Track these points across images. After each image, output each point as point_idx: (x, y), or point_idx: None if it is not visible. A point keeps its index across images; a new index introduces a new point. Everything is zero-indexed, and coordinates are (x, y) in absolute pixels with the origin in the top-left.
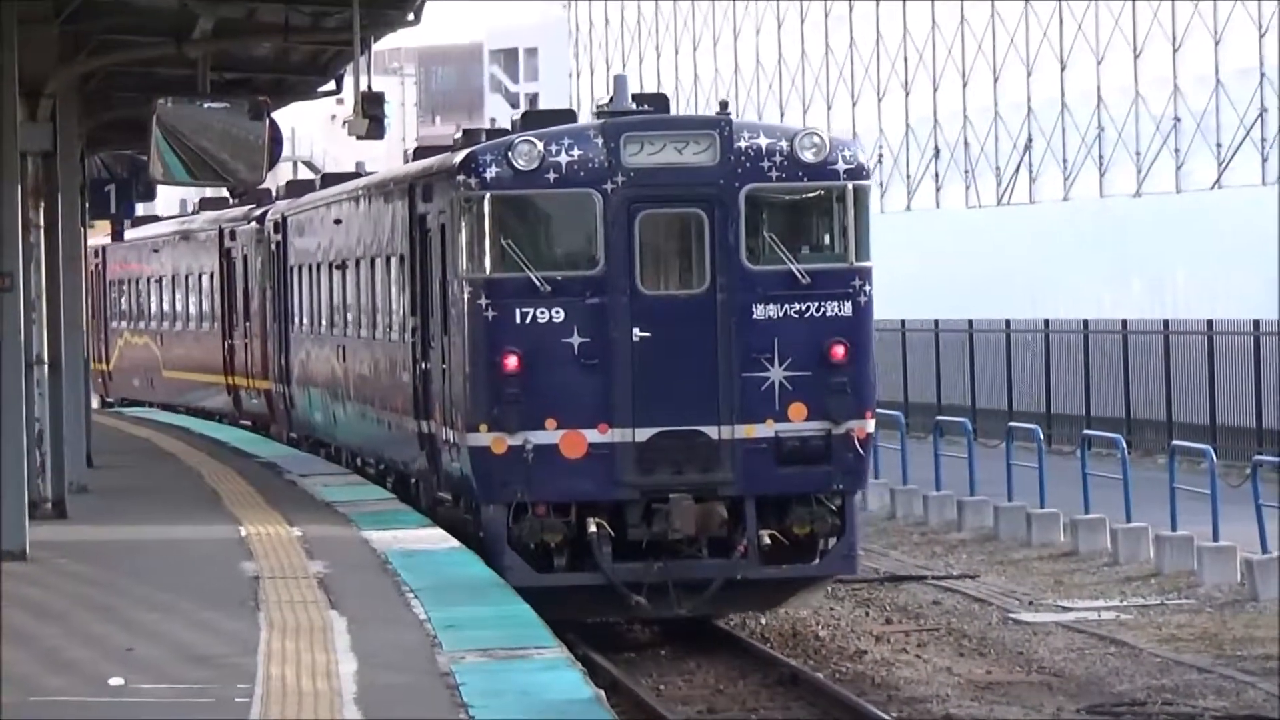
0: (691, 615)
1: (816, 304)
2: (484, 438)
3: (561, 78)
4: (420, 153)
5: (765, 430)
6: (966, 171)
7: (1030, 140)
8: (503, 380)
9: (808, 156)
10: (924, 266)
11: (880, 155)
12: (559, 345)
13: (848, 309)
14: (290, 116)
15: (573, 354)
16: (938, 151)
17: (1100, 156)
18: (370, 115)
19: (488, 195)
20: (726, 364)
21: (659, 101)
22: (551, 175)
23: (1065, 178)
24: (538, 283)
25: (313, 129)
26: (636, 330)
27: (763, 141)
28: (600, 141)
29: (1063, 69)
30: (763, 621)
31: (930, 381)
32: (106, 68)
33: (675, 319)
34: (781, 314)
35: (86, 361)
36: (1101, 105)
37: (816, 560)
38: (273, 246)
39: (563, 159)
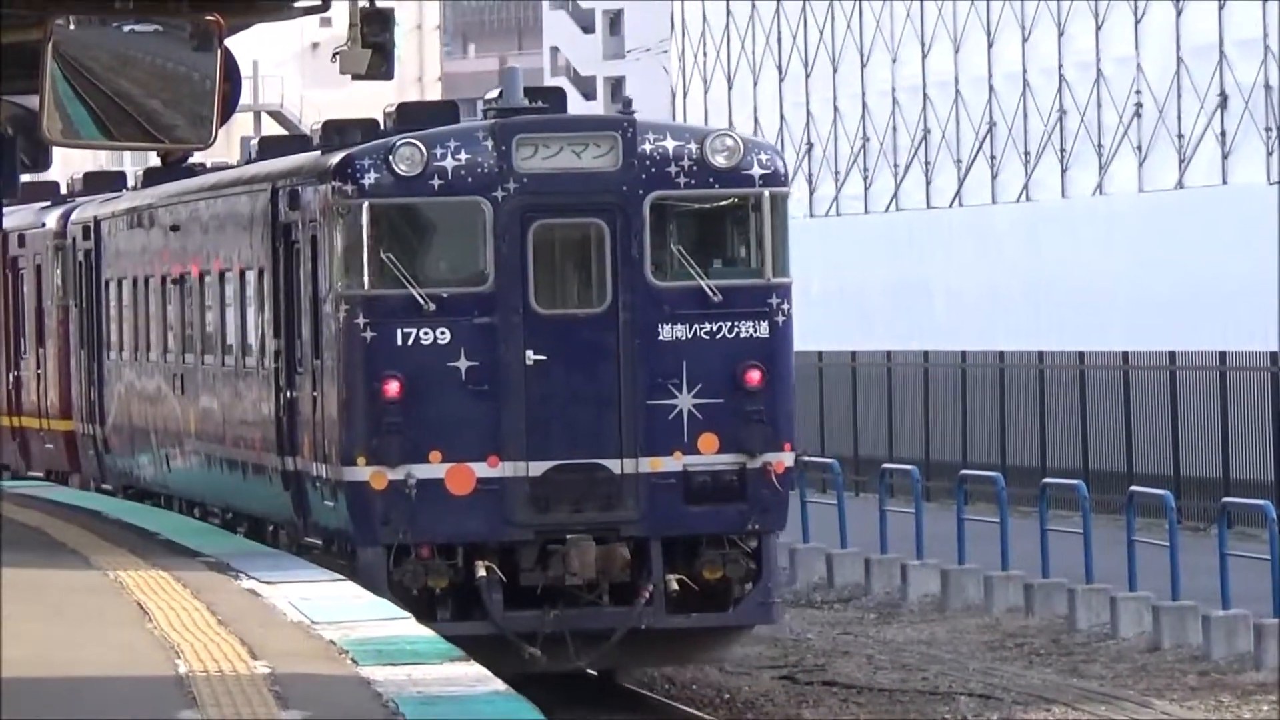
0: (592, 669)
1: (729, 324)
2: (362, 472)
3: None
4: (265, 145)
5: (673, 464)
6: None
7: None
8: (382, 408)
9: (720, 161)
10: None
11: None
12: (444, 369)
13: (764, 329)
14: (251, 45)
15: (460, 379)
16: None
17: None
18: (372, 43)
19: (366, 203)
20: (630, 390)
21: (555, 98)
22: (436, 181)
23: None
24: (421, 300)
25: (285, 64)
26: (530, 353)
27: (670, 144)
28: (490, 144)
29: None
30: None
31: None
32: None
33: (573, 340)
34: (690, 335)
35: None
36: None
37: (730, 609)
38: (79, 256)
39: (449, 163)
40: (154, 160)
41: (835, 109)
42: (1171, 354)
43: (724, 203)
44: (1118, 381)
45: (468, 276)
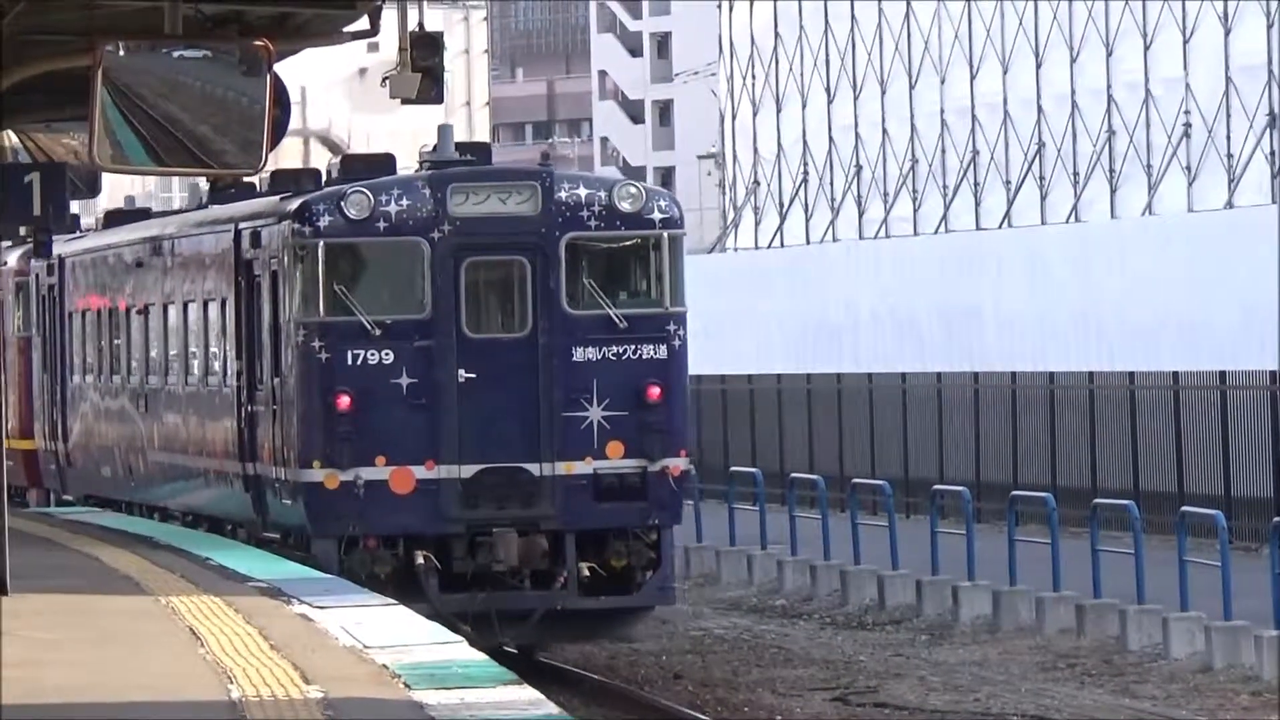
0: (513, 646)
1: (633, 347)
2: (317, 474)
3: (703, 10)
4: (216, 190)
5: (584, 467)
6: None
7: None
8: (335, 419)
9: (625, 206)
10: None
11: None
12: (389, 385)
13: (663, 352)
14: (300, 71)
15: (402, 394)
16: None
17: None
18: (422, 68)
19: (321, 243)
20: (548, 404)
21: (481, 151)
22: (381, 224)
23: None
24: (369, 326)
25: (333, 89)
26: (462, 371)
27: (582, 192)
28: (428, 192)
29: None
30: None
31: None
32: None
33: (499, 361)
34: (600, 356)
35: None
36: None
37: (634, 592)
38: (43, 291)
39: (392, 208)
40: (110, 204)
41: (884, 131)
42: (1222, 374)
43: (629, 243)
44: (1168, 401)
45: (408, 306)
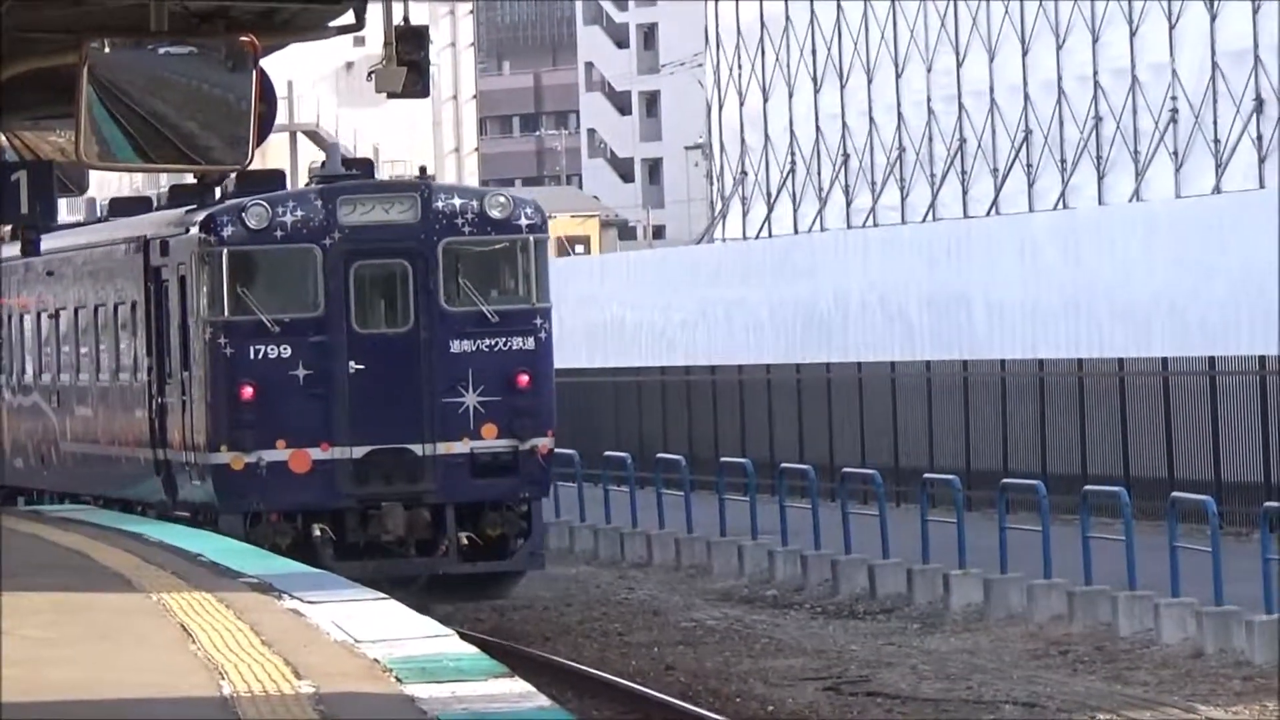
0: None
1: (504, 339)
2: (224, 456)
3: (689, 2)
4: (115, 204)
5: (462, 447)
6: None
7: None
8: (240, 407)
9: (495, 214)
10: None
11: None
12: (287, 376)
13: (530, 343)
14: (286, 66)
15: (299, 384)
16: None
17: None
18: (407, 61)
19: (225, 250)
20: (429, 391)
21: (365, 166)
22: (279, 233)
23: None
24: (268, 324)
25: (320, 84)
26: (352, 363)
27: (457, 201)
28: (319, 203)
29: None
30: None
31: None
32: None
33: (385, 353)
34: (474, 348)
35: None
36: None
37: (507, 558)
38: None
39: (288, 219)
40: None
41: (871, 120)
42: (1211, 359)
43: (499, 246)
44: (1158, 388)
45: (303, 305)
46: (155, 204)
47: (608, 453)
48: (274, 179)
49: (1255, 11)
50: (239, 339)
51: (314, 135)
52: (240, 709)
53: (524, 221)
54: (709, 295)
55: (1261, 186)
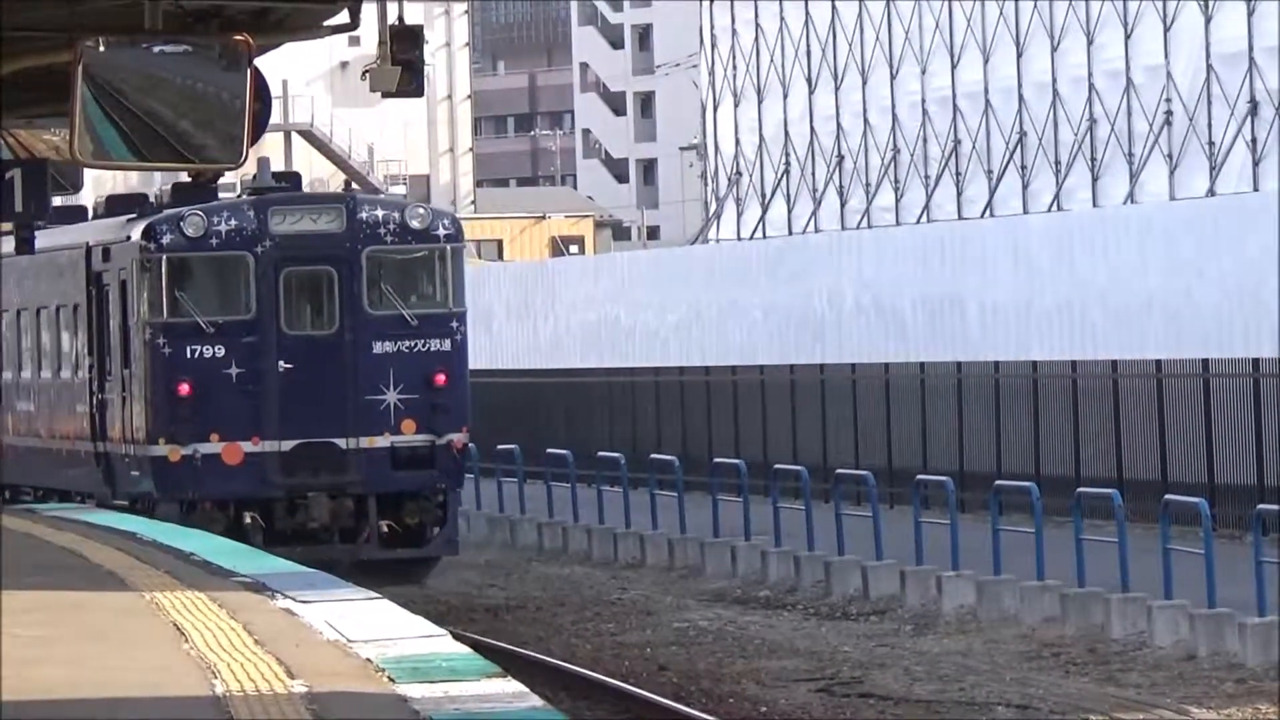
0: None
1: (423, 341)
2: (162, 449)
3: (684, 2)
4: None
5: (383, 441)
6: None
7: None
8: (176, 403)
9: (415, 224)
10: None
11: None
12: (221, 375)
13: (447, 345)
14: (280, 65)
15: (232, 382)
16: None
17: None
18: (402, 61)
19: (164, 257)
20: (352, 389)
21: (293, 178)
22: (214, 241)
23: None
24: (203, 326)
25: (314, 83)
26: (281, 362)
27: (380, 213)
28: (252, 214)
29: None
30: None
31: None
32: None
33: (311, 353)
34: (395, 349)
35: None
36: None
37: (425, 545)
38: None
39: (223, 228)
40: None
41: (865, 121)
42: (1205, 361)
43: (418, 254)
44: (1151, 390)
45: (236, 308)
46: (92, 214)
47: (601, 453)
48: (209, 190)
49: (1250, 14)
50: (176, 339)
51: (309, 135)
52: (233, 708)
53: (442, 232)
54: (703, 296)
55: (1256, 189)
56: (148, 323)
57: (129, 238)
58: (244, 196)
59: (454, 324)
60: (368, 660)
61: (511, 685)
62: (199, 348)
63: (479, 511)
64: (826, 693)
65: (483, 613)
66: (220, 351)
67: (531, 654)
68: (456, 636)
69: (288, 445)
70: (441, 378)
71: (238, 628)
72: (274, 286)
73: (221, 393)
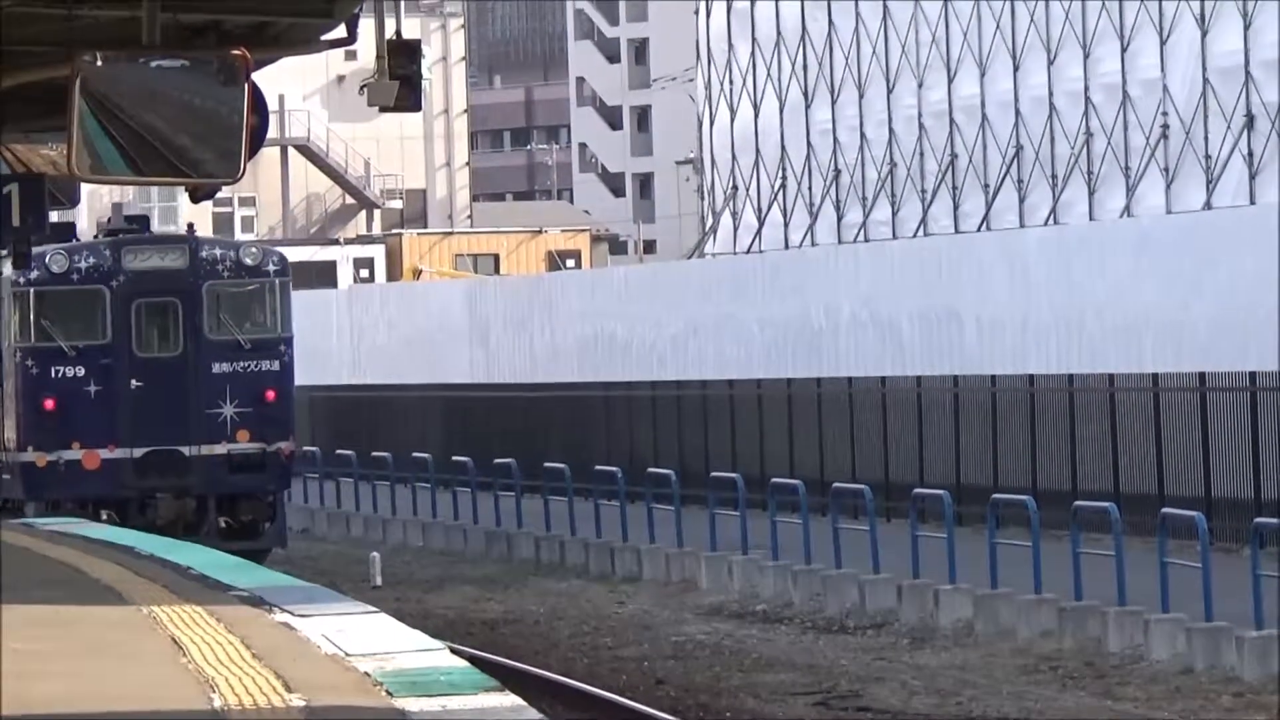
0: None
1: (255, 363)
2: (30, 455)
3: (680, 16)
4: None
5: (221, 449)
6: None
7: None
8: (42, 416)
9: (248, 261)
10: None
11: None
12: (81, 392)
13: (276, 365)
14: (277, 80)
15: (90, 398)
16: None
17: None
18: (399, 75)
19: (32, 290)
20: (194, 403)
21: (141, 220)
22: (75, 276)
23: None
24: (66, 350)
25: (311, 98)
26: (133, 381)
27: (218, 251)
28: (108, 252)
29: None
30: None
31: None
32: None
33: (159, 373)
34: (231, 369)
35: None
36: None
37: (259, 539)
38: None
39: (83, 264)
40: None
41: (862, 135)
42: (1201, 375)
43: (251, 288)
44: (1148, 404)
45: (95, 334)
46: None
47: (598, 467)
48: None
49: (1247, 28)
50: (42, 361)
51: (305, 149)
52: None
53: (272, 268)
54: (700, 310)
55: (1252, 202)
56: (19, 346)
57: (2, 273)
58: (100, 237)
59: (282, 347)
60: (366, 674)
61: (509, 699)
62: (62, 368)
63: (475, 526)
64: (824, 706)
65: (480, 626)
66: (81, 371)
67: (529, 668)
68: (454, 650)
69: (139, 452)
70: (271, 394)
71: (235, 642)
72: (127, 315)
73: (82, 407)
